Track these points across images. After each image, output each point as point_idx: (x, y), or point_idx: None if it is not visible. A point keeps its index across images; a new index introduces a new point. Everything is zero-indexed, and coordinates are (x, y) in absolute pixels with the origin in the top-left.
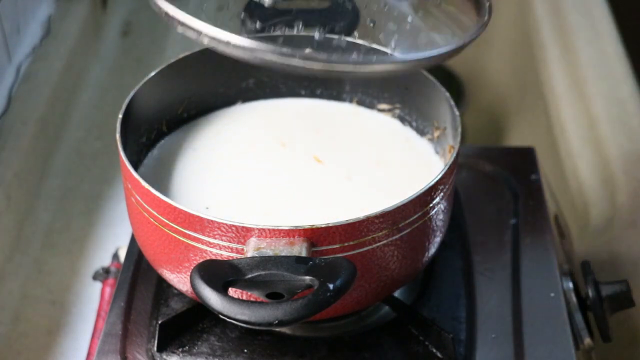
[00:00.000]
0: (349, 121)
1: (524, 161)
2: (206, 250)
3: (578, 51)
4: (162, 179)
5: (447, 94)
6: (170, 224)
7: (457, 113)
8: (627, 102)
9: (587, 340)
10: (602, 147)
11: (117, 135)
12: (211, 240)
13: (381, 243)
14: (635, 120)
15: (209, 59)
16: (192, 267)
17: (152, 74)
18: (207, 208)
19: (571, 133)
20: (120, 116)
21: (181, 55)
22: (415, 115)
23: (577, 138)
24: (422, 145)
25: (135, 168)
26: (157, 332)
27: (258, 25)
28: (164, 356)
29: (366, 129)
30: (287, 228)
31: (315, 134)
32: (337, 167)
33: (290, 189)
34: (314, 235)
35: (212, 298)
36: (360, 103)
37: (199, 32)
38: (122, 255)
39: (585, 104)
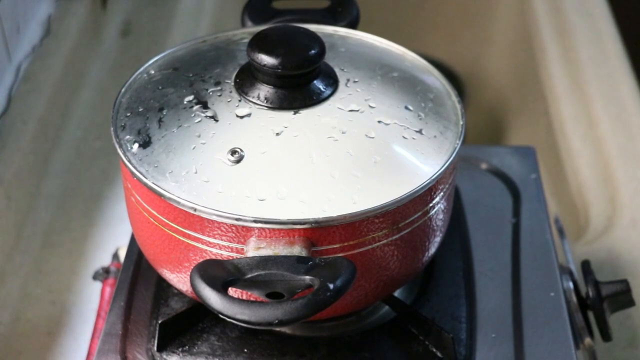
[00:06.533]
0: None
1: (524, 161)
2: (206, 250)
3: (578, 51)
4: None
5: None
6: (170, 223)
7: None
8: (627, 102)
9: (587, 340)
10: (602, 147)
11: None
12: (211, 240)
13: (381, 243)
14: (635, 120)
15: None
16: (192, 267)
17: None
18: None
19: (571, 133)
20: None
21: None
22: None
23: (577, 138)
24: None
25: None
26: (157, 332)
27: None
28: (164, 356)
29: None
30: (287, 228)
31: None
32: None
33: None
34: (314, 235)
35: (212, 298)
36: None
37: None
38: (122, 255)
39: (585, 104)
